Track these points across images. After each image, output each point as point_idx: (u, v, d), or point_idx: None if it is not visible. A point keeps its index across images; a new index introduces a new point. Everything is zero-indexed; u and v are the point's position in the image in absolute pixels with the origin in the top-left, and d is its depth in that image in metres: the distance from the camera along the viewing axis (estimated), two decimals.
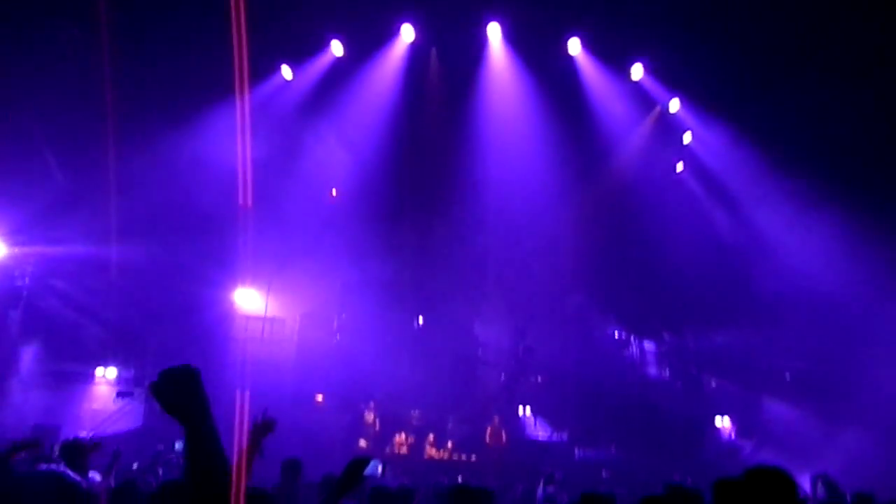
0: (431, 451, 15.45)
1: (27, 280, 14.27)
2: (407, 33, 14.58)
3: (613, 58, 14.73)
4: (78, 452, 5.43)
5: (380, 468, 6.30)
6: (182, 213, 14.09)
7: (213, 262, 14.96)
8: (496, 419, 16.36)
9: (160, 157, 13.20)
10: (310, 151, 16.10)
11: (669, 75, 14.95)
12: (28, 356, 14.33)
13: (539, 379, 18.29)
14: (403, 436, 15.68)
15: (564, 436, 17.36)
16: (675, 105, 15.68)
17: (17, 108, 12.41)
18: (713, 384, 18.91)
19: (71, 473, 2.66)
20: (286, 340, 17.29)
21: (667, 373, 19.37)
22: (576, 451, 16.73)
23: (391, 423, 15.77)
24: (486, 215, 16.56)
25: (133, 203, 12.95)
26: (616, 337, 19.53)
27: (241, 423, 3.84)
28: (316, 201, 16.72)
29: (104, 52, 10.72)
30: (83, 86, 12.10)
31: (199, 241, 14.67)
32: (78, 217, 13.72)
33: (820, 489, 7.04)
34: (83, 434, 12.60)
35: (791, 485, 2.39)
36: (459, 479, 12.29)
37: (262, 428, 3.96)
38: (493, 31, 14.57)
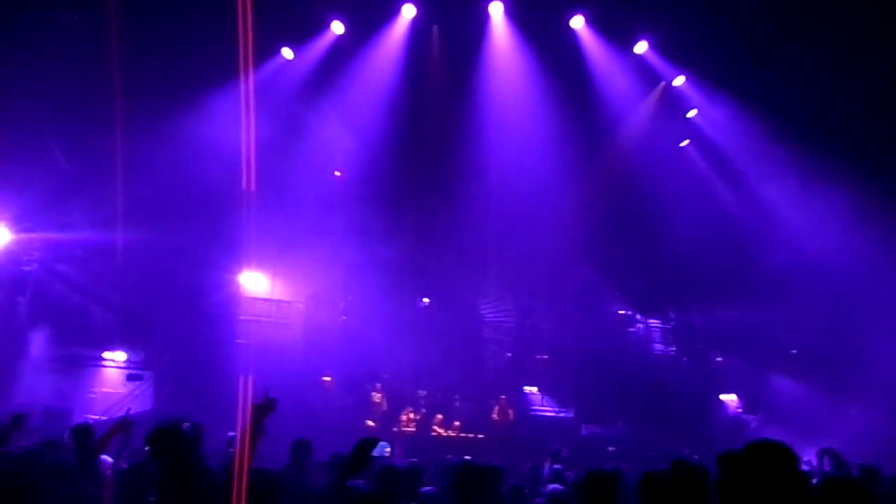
0: (439, 430, 15.58)
1: (34, 265, 14.34)
2: (408, 11, 14.42)
3: (617, 34, 14.55)
4: (88, 435, 5.51)
5: (387, 450, 6.34)
6: (187, 196, 14.09)
7: (218, 244, 14.99)
8: (503, 397, 16.46)
9: (164, 140, 13.15)
10: (312, 132, 16.02)
11: (673, 50, 14.79)
12: (37, 341, 14.44)
13: (545, 357, 18.38)
14: (411, 415, 15.81)
15: (571, 413, 17.48)
16: (679, 80, 15.54)
17: (20, 94, 12.38)
18: (719, 360, 18.98)
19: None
20: (292, 322, 17.37)
21: (672, 349, 19.42)
22: (582, 428, 16.85)
23: (398, 403, 15.89)
24: (491, 194, 16.50)
25: (138, 187, 12.95)
26: (622, 314, 19.57)
27: (245, 404, 3.89)
28: (320, 183, 16.68)
29: (106, 36, 10.66)
30: (86, 70, 12.04)
31: (204, 224, 14.68)
32: (83, 202, 13.74)
33: (826, 462, 7.09)
34: (98, 417, 12.75)
35: (792, 458, 2.39)
36: (467, 458, 12.38)
37: (263, 408, 4.00)
38: (496, 7, 14.40)
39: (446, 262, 17.82)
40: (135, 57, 11.48)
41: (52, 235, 14.21)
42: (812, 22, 12.07)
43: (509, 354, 18.24)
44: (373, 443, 4.12)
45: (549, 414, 17.64)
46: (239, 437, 3.84)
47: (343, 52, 15.03)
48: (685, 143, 17.22)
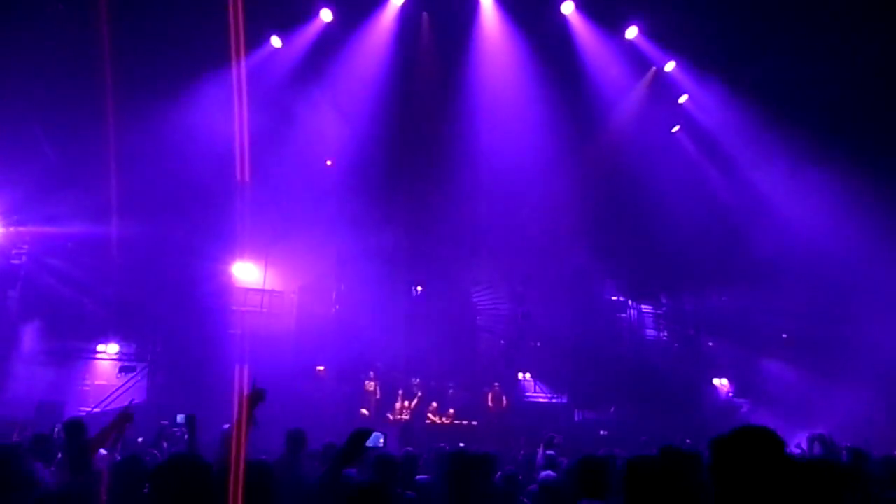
0: (433, 418, 15.64)
1: (24, 259, 14.25)
2: None
3: (607, 19, 14.51)
4: (81, 431, 5.48)
5: (381, 440, 6.36)
6: (177, 187, 13.99)
7: (209, 235, 14.92)
8: (496, 384, 16.53)
9: (153, 130, 13.05)
10: (303, 121, 15.92)
11: (664, 36, 14.75)
12: (29, 335, 14.37)
13: (538, 343, 18.45)
14: (405, 403, 15.84)
15: (564, 399, 17.59)
16: (670, 65, 15.52)
17: (6, 86, 12.24)
18: (710, 345, 19.12)
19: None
20: (285, 312, 17.34)
21: (664, 334, 19.56)
22: (575, 413, 16.95)
23: (392, 392, 15.92)
24: (482, 181, 16.46)
25: (128, 178, 12.84)
26: (614, 300, 19.66)
27: (239, 395, 3.90)
28: (311, 172, 16.60)
29: (94, 26, 10.53)
30: (73, 61, 11.92)
31: (195, 215, 14.61)
32: (72, 194, 13.63)
33: (816, 447, 7.16)
34: (90, 410, 12.74)
35: (778, 443, 2.42)
36: (461, 445, 12.44)
37: (253, 398, 4.01)
38: None
39: (439, 250, 17.81)
40: (123, 47, 11.35)
41: (42, 228, 14.11)
42: (802, 7, 12.07)
43: (502, 342, 18.29)
44: (366, 434, 4.14)
45: (542, 400, 17.73)
46: (235, 428, 3.85)
47: (332, 40, 14.91)
48: (676, 128, 17.22)
